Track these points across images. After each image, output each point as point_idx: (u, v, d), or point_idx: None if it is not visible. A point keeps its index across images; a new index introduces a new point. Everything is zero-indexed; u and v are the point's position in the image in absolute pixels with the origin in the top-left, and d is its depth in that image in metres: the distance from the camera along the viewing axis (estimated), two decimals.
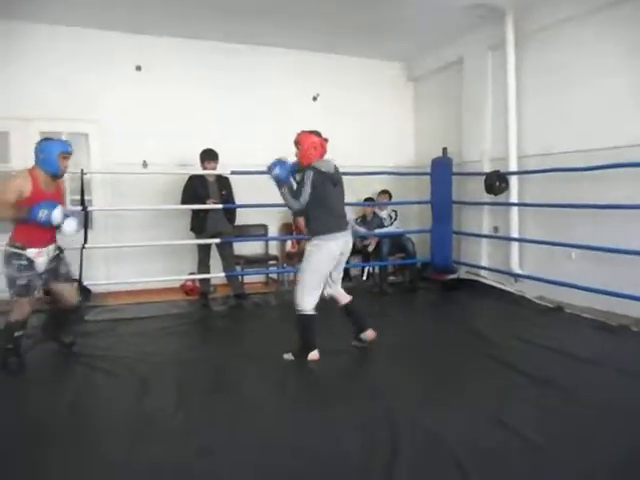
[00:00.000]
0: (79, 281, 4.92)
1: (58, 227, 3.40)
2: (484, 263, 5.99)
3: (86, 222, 4.91)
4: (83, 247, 4.82)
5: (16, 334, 3.38)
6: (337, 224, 3.52)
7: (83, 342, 3.97)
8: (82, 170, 4.90)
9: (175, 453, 2.31)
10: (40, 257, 3.40)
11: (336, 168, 3.66)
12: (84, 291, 5.24)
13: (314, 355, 3.52)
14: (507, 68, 5.40)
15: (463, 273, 6.23)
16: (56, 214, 3.26)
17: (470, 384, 3.13)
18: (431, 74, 6.97)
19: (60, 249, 3.63)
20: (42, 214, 3.21)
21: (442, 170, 6.16)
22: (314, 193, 3.41)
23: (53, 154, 3.41)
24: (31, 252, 3.34)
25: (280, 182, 3.45)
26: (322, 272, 3.49)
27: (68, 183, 5.72)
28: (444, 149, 6.23)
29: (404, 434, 2.43)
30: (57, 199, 3.44)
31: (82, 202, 4.87)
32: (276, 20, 5.53)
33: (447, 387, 3.08)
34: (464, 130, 6.23)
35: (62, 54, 5.59)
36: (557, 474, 2.14)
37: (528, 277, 5.31)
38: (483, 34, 5.82)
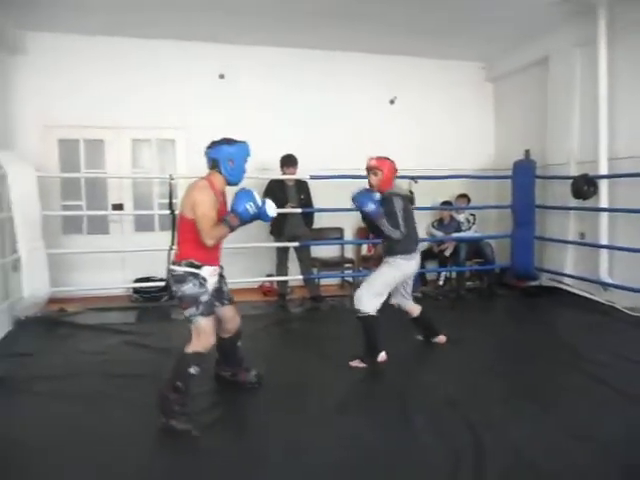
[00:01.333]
0: (167, 280, 5.20)
1: (258, 217, 2.89)
2: (569, 271, 5.71)
3: (173, 225, 5.17)
4: (170, 249, 5.07)
5: (191, 370, 2.67)
6: (415, 245, 3.68)
7: (172, 341, 4.18)
8: (170, 175, 5.16)
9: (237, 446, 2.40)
10: (213, 277, 2.90)
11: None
12: (169, 290, 5.55)
13: (382, 357, 3.55)
14: (598, 65, 5.12)
15: (545, 280, 5.99)
16: (269, 203, 2.90)
17: (556, 398, 3.01)
18: (512, 74, 6.74)
19: (221, 267, 3.09)
20: (250, 207, 2.77)
21: (524, 173, 5.94)
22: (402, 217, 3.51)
23: (243, 160, 2.91)
24: (206, 271, 2.81)
25: (376, 216, 3.45)
26: (392, 286, 3.65)
27: (156, 188, 6.09)
28: (527, 151, 6.02)
29: (487, 446, 2.38)
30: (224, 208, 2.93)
31: (170, 206, 5.12)
32: (354, 24, 5.55)
33: (530, 399, 2.96)
34: (549, 131, 5.97)
35: (151, 66, 5.92)
36: None
37: (619, 287, 5.01)
38: (570, 31, 5.55)
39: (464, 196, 6.39)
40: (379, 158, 3.61)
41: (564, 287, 5.67)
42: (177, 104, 5.97)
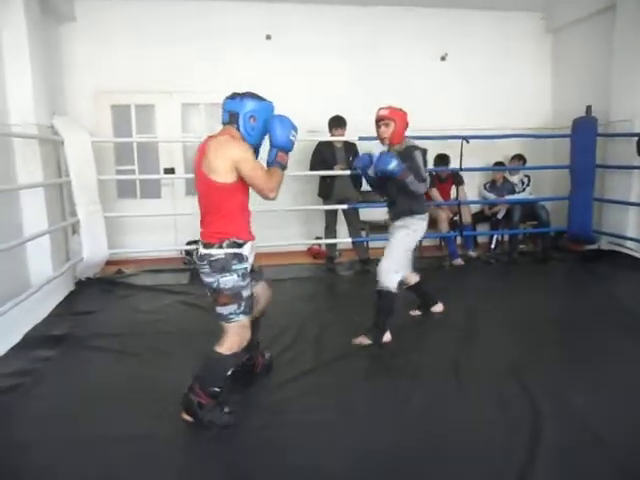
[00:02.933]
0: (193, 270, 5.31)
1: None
2: (631, 234, 5.43)
3: None
4: None
5: (229, 373, 2.38)
6: (423, 206, 3.45)
7: None
8: None
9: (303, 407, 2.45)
10: (252, 255, 2.45)
11: None
12: None
13: (387, 337, 3.34)
14: None
15: (604, 244, 5.74)
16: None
17: (616, 365, 2.91)
18: (574, 24, 6.31)
19: None
20: (293, 136, 2.41)
21: (585, 131, 5.63)
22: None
23: (264, 122, 2.38)
24: (247, 249, 2.37)
25: (401, 174, 3.14)
26: (411, 251, 3.49)
27: None
28: (588, 107, 5.68)
29: (545, 414, 2.34)
30: None
31: None
32: None
33: (589, 367, 2.88)
34: (613, 86, 5.59)
35: (198, 28, 5.87)
36: None
37: None
38: None
39: (519, 157, 6.14)
40: (391, 108, 3.31)
41: (625, 251, 5.42)
42: (224, 67, 5.93)
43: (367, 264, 5.49)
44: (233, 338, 2.34)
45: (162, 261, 5.70)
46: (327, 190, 5.43)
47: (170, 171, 5.97)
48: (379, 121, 3.31)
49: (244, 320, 2.36)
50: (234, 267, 2.29)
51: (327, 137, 5.47)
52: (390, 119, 3.27)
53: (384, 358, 3.09)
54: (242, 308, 2.33)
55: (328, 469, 2.03)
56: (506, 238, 6.18)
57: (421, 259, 5.80)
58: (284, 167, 2.42)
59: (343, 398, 2.59)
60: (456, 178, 5.90)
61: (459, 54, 6.45)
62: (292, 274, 5.24)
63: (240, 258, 2.31)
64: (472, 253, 5.75)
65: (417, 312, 3.88)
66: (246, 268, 2.34)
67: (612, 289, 4.57)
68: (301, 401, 2.56)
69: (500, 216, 6.01)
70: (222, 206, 2.30)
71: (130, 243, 5.71)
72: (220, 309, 2.34)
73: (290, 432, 2.29)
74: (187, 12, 5.83)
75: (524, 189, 6.06)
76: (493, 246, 6.16)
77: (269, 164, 2.39)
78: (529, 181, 6.08)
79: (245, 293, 2.34)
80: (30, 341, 3.40)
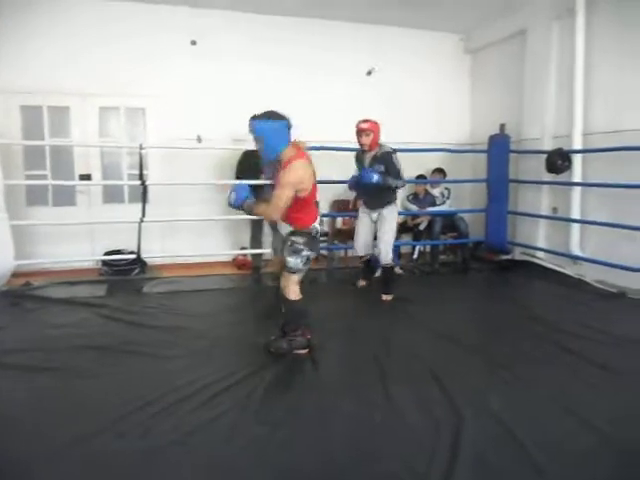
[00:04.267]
0: (137, 253, 5.08)
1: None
2: (541, 244, 5.79)
3: (144, 196, 5.03)
4: (141, 220, 4.96)
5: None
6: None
7: (144, 315, 4.10)
8: (140, 145, 4.98)
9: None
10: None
11: None
12: (141, 263, 5.42)
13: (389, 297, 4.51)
14: (575, 38, 5.12)
15: (518, 254, 6.06)
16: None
17: (530, 369, 3.04)
18: (490, 46, 6.69)
19: None
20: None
21: (499, 147, 5.96)
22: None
23: None
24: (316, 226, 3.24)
25: (383, 181, 4.22)
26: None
27: (125, 158, 5.88)
28: (502, 125, 6.02)
29: (466, 417, 2.39)
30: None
31: (140, 176, 4.97)
32: None
33: (506, 371, 2.99)
34: (524, 106, 5.97)
35: (120, 30, 5.64)
36: (624, 463, 2.08)
37: (589, 260, 5.11)
38: (548, 3, 5.53)
39: (440, 170, 6.38)
40: (369, 121, 4.27)
41: (536, 260, 5.75)
42: (147, 71, 5.74)
43: None
44: (294, 284, 3.23)
45: (77, 272, 5.37)
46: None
47: (86, 177, 5.65)
48: (361, 132, 4.28)
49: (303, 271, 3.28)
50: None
51: (253, 146, 5.39)
52: (371, 130, 4.27)
53: (307, 367, 3.05)
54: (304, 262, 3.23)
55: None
56: (428, 249, 6.37)
57: (344, 270, 5.86)
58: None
59: (265, 410, 2.52)
60: None
61: (385, 69, 6.62)
62: (217, 285, 5.12)
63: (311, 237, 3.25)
64: (398, 270, 5.77)
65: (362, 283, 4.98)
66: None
67: (525, 297, 4.83)
68: (219, 414, 2.46)
69: (422, 227, 6.20)
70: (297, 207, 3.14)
71: (42, 253, 5.33)
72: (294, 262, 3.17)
73: (211, 450, 2.19)
74: (109, 13, 5.59)
75: (444, 201, 6.29)
76: (415, 256, 6.33)
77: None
78: (449, 194, 6.33)
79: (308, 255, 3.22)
80: None
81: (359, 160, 4.59)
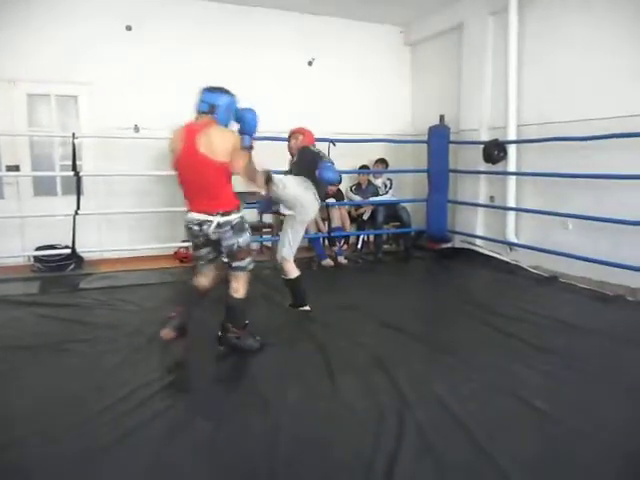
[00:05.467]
0: (72, 248, 4.86)
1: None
2: (479, 232, 5.99)
3: (78, 188, 4.81)
4: (76, 213, 4.74)
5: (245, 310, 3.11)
6: None
7: (81, 312, 3.93)
8: (73, 134, 4.75)
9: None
10: None
11: None
12: (76, 258, 5.19)
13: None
14: (509, 34, 5.30)
15: (458, 242, 6.24)
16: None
17: (471, 353, 3.14)
18: (429, 39, 6.82)
19: None
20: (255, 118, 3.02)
21: (439, 138, 6.09)
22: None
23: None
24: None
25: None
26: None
27: (57, 148, 5.59)
28: (441, 117, 6.15)
29: (411, 402, 2.45)
30: None
31: (74, 167, 4.74)
32: None
33: (448, 356, 3.08)
34: (462, 98, 6.13)
35: (50, 14, 5.33)
36: (563, 439, 2.18)
37: (524, 246, 5.34)
38: None
39: (382, 161, 6.46)
40: (300, 127, 4.18)
41: (475, 248, 5.94)
42: (80, 57, 5.45)
43: None
44: (245, 284, 3.01)
45: (6, 269, 5.07)
46: None
47: (14, 168, 5.33)
48: (290, 135, 4.18)
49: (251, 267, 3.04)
50: (246, 226, 2.95)
51: None
52: (300, 133, 4.14)
53: (250, 361, 3.02)
54: (252, 257, 3.02)
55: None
56: (372, 238, 6.45)
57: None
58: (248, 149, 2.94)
59: (208, 405, 2.48)
60: None
61: (326, 60, 6.60)
62: (157, 279, 4.98)
63: (244, 219, 2.95)
64: (342, 260, 5.82)
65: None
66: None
67: (465, 284, 4.98)
68: (160, 412, 2.40)
69: (365, 217, 6.26)
70: (223, 181, 2.84)
71: None
72: (240, 263, 2.95)
73: (155, 445, 2.13)
74: None
75: (387, 191, 6.38)
76: (360, 246, 6.40)
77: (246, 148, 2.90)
78: (391, 184, 6.42)
79: (253, 246, 2.85)
80: None
81: None
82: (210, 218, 2.83)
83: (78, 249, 5.00)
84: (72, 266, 5.24)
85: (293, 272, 3.85)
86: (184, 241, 5.68)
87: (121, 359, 3.00)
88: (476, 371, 2.86)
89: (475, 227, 6.04)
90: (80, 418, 2.30)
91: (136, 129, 5.70)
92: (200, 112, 2.88)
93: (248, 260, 2.98)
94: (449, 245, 6.23)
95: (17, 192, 5.46)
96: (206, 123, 2.82)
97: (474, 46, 5.91)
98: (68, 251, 5.03)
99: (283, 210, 4.30)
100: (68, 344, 3.23)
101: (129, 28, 5.64)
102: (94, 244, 5.44)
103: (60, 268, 5.18)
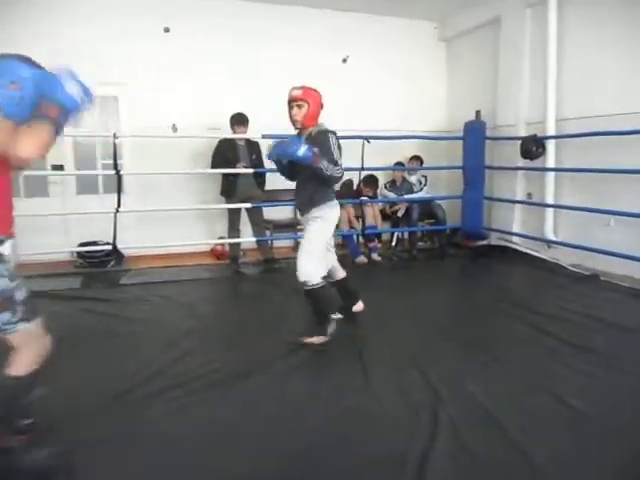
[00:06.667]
0: (113, 244, 5.01)
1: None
2: (516, 229, 5.88)
3: (119, 186, 4.95)
4: (117, 211, 4.88)
5: (24, 400, 1.92)
6: (334, 192, 3.33)
7: (121, 307, 4.05)
8: (114, 134, 4.89)
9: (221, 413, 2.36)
10: (14, 254, 1.99)
11: None
12: (117, 254, 5.35)
13: (359, 306, 3.61)
14: (548, 26, 5.18)
15: (494, 240, 6.15)
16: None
17: (507, 351, 3.10)
18: (465, 34, 6.72)
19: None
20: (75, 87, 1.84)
21: (475, 134, 6.00)
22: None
23: (37, 90, 1.78)
24: (8, 247, 1.91)
25: (311, 159, 2.92)
26: (328, 242, 3.32)
27: (99, 147, 5.77)
28: (477, 112, 6.06)
29: (444, 399, 2.43)
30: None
31: (115, 166, 4.88)
32: None
33: (483, 354, 3.04)
34: (499, 93, 6.03)
35: (92, 17, 5.50)
36: (600, 439, 2.13)
37: (563, 244, 5.21)
38: None
39: (416, 158, 6.41)
40: (305, 87, 3.10)
41: (512, 245, 5.84)
42: (120, 59, 5.59)
43: (272, 263, 5.45)
44: (26, 352, 1.89)
45: (51, 265, 5.26)
46: (230, 189, 5.31)
47: (59, 168, 5.53)
48: (292, 102, 3.09)
49: (26, 328, 1.87)
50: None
51: (229, 135, 5.36)
52: (304, 100, 3.06)
53: (286, 354, 3.06)
54: (19, 314, 1.85)
55: (236, 470, 1.97)
56: (406, 236, 6.42)
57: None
58: (55, 123, 1.79)
59: (244, 399, 2.53)
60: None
61: (361, 57, 6.60)
62: (194, 275, 5.08)
63: (2, 258, 1.83)
64: (376, 257, 5.80)
65: (338, 315, 3.36)
66: (10, 268, 1.86)
67: (502, 281, 4.90)
68: (208, 403, 2.46)
69: (400, 214, 6.23)
70: None
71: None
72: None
73: (200, 434, 2.19)
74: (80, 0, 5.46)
75: (422, 188, 6.33)
76: (394, 243, 6.38)
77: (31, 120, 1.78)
78: (426, 181, 6.37)
79: (19, 295, 1.86)
80: None
81: None
82: None
83: (118, 245, 5.14)
84: (113, 262, 5.41)
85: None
86: (220, 238, 5.80)
87: (156, 353, 3.07)
88: (511, 369, 2.83)
89: (512, 224, 5.93)
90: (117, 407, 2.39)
91: (174, 128, 5.82)
92: None
93: (4, 317, 1.82)
94: (485, 242, 6.14)
95: (62, 190, 5.67)
96: None
97: (511, 39, 5.79)
98: (109, 247, 5.18)
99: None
100: (107, 337, 3.35)
101: (167, 30, 5.76)
102: (133, 241, 5.59)
103: (101, 264, 5.35)
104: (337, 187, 6.00)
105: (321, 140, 3.05)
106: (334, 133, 3.15)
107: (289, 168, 3.29)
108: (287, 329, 3.46)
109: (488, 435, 2.15)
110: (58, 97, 1.78)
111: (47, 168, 5.49)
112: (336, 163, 3.04)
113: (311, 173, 3.04)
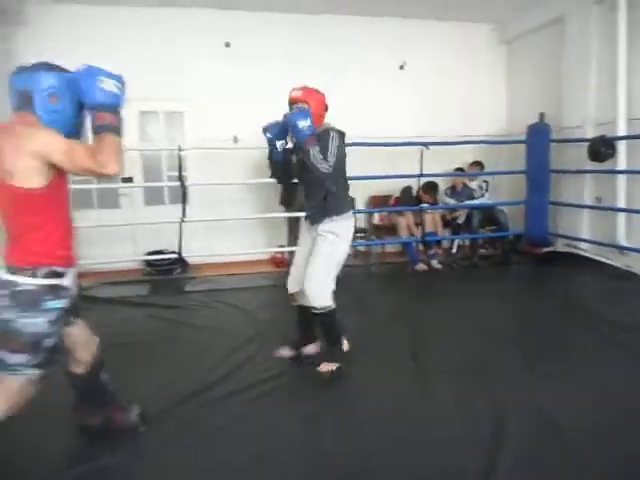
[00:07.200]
0: (178, 253, 5.20)
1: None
2: (585, 235, 5.62)
3: (184, 197, 5.15)
4: (182, 220, 5.08)
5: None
6: (351, 203, 3.06)
7: (186, 313, 4.19)
8: (179, 147, 5.10)
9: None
10: (74, 285, 1.91)
11: None
12: (182, 262, 5.56)
13: (345, 346, 3.04)
14: (618, 22, 4.96)
15: (560, 246, 5.90)
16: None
17: (578, 362, 2.97)
18: (526, 35, 6.52)
19: None
20: (112, 85, 1.84)
21: (539, 137, 5.80)
22: (338, 160, 2.78)
23: (72, 99, 1.83)
24: (70, 275, 1.84)
25: (306, 137, 2.67)
26: (342, 261, 2.94)
27: (165, 160, 6.02)
28: (541, 114, 5.86)
29: (508, 409, 2.37)
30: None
31: (180, 177, 5.09)
32: None
33: (550, 364, 2.93)
34: (564, 94, 5.80)
35: (155, 35, 5.77)
36: None
37: (637, 250, 4.93)
38: None
39: (477, 163, 6.28)
40: (306, 88, 2.89)
41: (580, 252, 5.58)
42: (184, 75, 5.85)
43: None
44: (6, 395, 1.72)
45: (121, 273, 5.53)
46: (289, 198, 5.40)
47: (128, 180, 5.82)
48: (292, 103, 2.87)
49: (33, 375, 1.76)
50: (45, 305, 1.71)
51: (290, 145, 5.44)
52: (304, 101, 2.82)
53: (349, 362, 3.05)
54: (37, 360, 1.72)
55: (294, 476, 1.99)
56: (467, 243, 6.29)
57: (382, 265, 5.87)
58: (115, 130, 1.77)
59: (306, 404, 2.56)
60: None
61: (417, 63, 6.56)
62: (255, 283, 5.18)
63: (56, 292, 1.74)
64: (436, 265, 5.71)
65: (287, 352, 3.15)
66: (60, 312, 1.76)
67: (570, 289, 4.68)
68: (272, 406, 2.51)
69: (460, 221, 6.11)
70: (28, 220, 1.72)
71: (88, 255, 5.49)
72: (3, 354, 1.70)
73: (255, 438, 2.23)
74: (143, 18, 5.74)
75: (483, 194, 6.19)
76: (454, 251, 6.25)
77: (94, 134, 1.78)
78: (487, 186, 6.22)
79: (48, 343, 1.75)
80: None
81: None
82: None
83: (183, 254, 5.34)
84: (178, 270, 5.61)
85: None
86: (280, 246, 5.90)
87: (221, 358, 3.15)
88: (580, 380, 2.71)
89: (580, 230, 5.67)
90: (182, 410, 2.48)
91: (235, 140, 5.99)
92: (14, 110, 1.79)
93: (21, 358, 1.71)
94: (550, 249, 5.90)
95: (130, 202, 5.96)
96: (7, 126, 1.75)
97: (577, 38, 5.57)
98: (175, 256, 5.39)
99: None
100: (173, 342, 3.48)
101: (228, 45, 5.95)
102: (198, 249, 5.79)
103: (168, 272, 5.57)
104: (396, 193, 6.04)
105: (322, 136, 2.78)
106: (340, 132, 2.89)
107: (282, 166, 3.00)
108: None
109: (555, 449, 2.07)
110: (99, 98, 1.76)
111: (118, 181, 5.80)
112: (326, 158, 2.71)
113: (311, 172, 2.75)
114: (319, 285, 2.79)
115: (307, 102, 2.81)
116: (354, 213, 3.05)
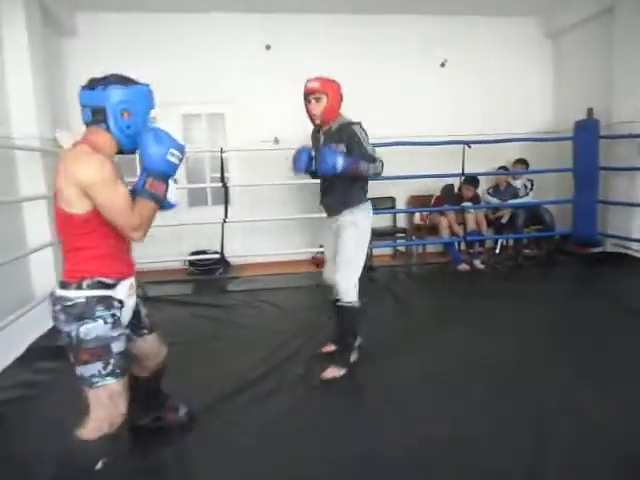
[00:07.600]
0: (221, 253, 5.30)
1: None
2: (637, 235, 5.40)
3: (226, 198, 5.24)
4: (224, 221, 5.17)
5: (99, 464, 1.72)
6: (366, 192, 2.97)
7: (228, 312, 4.27)
8: (221, 149, 5.20)
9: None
10: (131, 297, 1.95)
11: None
12: (224, 263, 5.66)
13: (353, 358, 2.99)
14: None
15: (609, 246, 5.70)
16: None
17: (628, 368, 2.85)
18: (572, 28, 6.32)
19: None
20: (173, 156, 1.81)
21: (587, 133, 5.61)
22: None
23: (144, 114, 1.84)
24: (122, 289, 1.87)
25: (352, 166, 2.65)
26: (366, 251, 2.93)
27: (207, 162, 6.14)
28: (590, 110, 5.67)
29: (553, 411, 2.32)
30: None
31: (222, 179, 5.18)
32: None
33: (597, 367, 2.84)
34: (615, 88, 5.59)
35: (198, 40, 5.90)
36: None
37: None
38: None
39: (521, 161, 6.12)
40: (322, 79, 2.78)
41: (631, 253, 5.38)
42: (225, 78, 5.97)
43: (370, 271, 5.46)
44: (98, 412, 1.73)
45: (166, 272, 5.68)
46: None
47: (173, 181, 5.96)
48: (308, 95, 2.79)
49: (113, 385, 1.74)
50: (96, 312, 1.73)
51: None
52: (322, 92, 2.75)
53: (389, 363, 3.05)
54: (111, 367, 1.74)
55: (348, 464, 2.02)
56: (511, 243, 6.15)
57: (423, 265, 5.81)
58: (157, 199, 1.79)
59: (349, 399, 2.58)
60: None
61: (459, 60, 6.46)
62: (296, 283, 5.22)
63: (108, 304, 1.76)
64: (479, 265, 5.62)
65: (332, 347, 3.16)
66: (117, 315, 1.79)
67: (618, 291, 4.51)
68: (314, 404, 2.53)
69: (504, 221, 5.98)
70: (74, 240, 1.77)
71: (135, 255, 5.68)
72: (80, 369, 1.73)
73: (300, 435, 2.26)
74: (185, 24, 5.87)
75: (527, 193, 6.04)
76: (498, 251, 6.13)
77: (137, 193, 1.78)
78: (532, 185, 6.07)
79: (116, 347, 1.76)
80: (34, 353, 3.37)
81: (314, 141, 3.05)
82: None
83: (226, 254, 5.44)
84: (220, 270, 5.72)
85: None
86: (321, 246, 5.92)
87: (264, 356, 3.20)
88: (628, 384, 2.62)
89: (631, 230, 5.46)
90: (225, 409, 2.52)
91: (276, 141, 6.06)
92: (85, 124, 1.79)
93: (93, 368, 1.72)
94: (599, 249, 5.71)
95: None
96: (78, 143, 1.76)
97: (628, 28, 5.36)
98: (217, 256, 5.50)
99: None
100: (216, 341, 3.55)
101: (268, 47, 6.02)
102: (239, 250, 5.88)
103: (210, 272, 5.69)
104: (437, 192, 5.97)
105: (347, 134, 2.73)
106: (359, 124, 2.80)
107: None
108: (375, 336, 3.45)
109: (601, 453, 2.02)
110: (162, 168, 1.77)
111: None
112: (374, 159, 2.70)
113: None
114: (350, 279, 2.81)
115: (325, 92, 2.75)
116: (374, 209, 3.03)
